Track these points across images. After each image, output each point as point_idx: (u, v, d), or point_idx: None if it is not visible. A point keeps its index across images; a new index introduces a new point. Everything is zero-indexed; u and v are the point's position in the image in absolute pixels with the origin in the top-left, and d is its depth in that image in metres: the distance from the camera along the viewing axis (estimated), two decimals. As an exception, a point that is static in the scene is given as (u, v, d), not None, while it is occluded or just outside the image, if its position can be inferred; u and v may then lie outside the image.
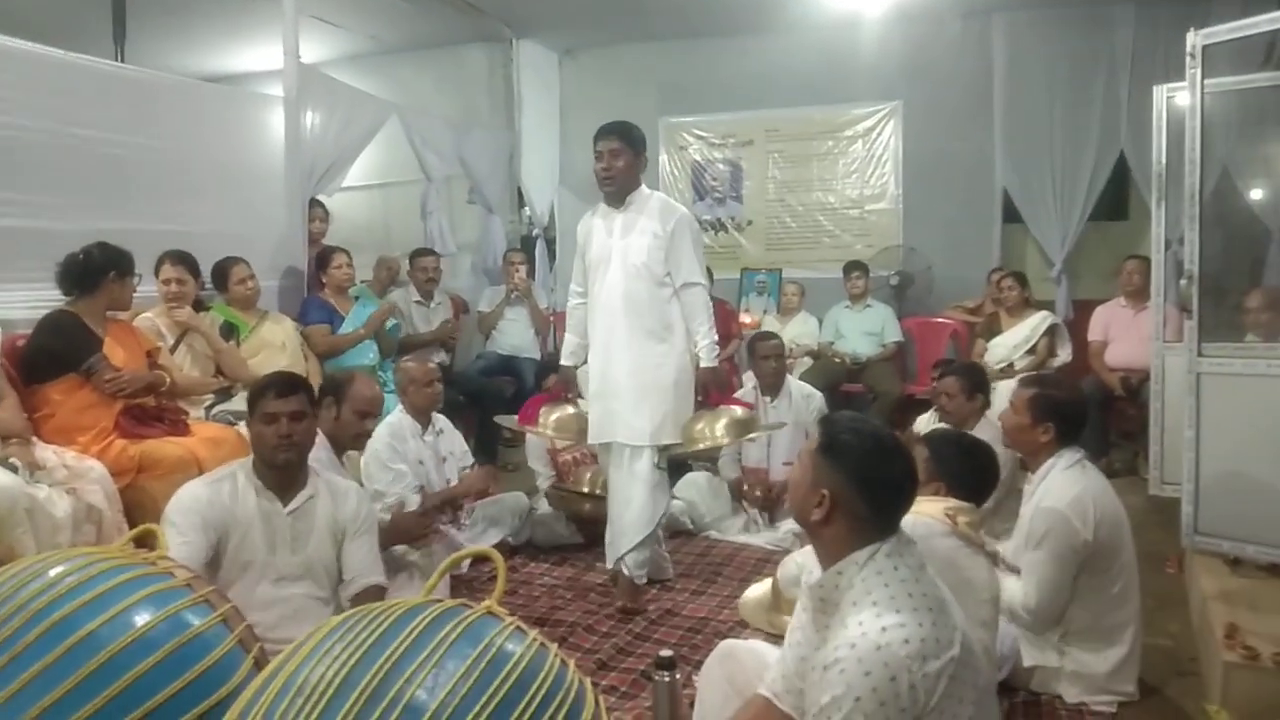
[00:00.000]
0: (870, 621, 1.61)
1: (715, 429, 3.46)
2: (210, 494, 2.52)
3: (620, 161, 3.43)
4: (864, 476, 1.70)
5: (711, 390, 3.56)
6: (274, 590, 2.53)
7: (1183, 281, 3.32)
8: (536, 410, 3.74)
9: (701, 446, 3.51)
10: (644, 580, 3.52)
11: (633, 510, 3.44)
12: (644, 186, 3.55)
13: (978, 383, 3.79)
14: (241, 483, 2.58)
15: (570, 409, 3.71)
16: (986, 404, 3.81)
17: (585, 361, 3.71)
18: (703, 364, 3.53)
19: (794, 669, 1.85)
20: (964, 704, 1.61)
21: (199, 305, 4.20)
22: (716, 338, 3.53)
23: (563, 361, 3.78)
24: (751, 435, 3.79)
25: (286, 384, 2.65)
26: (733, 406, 3.59)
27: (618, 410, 3.47)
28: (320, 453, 2.95)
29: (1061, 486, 2.65)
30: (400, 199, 7.15)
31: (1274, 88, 4.05)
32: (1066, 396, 2.81)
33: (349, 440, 3.20)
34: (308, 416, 2.64)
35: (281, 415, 2.55)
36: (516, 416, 3.88)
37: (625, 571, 3.44)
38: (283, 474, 2.60)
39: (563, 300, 4.58)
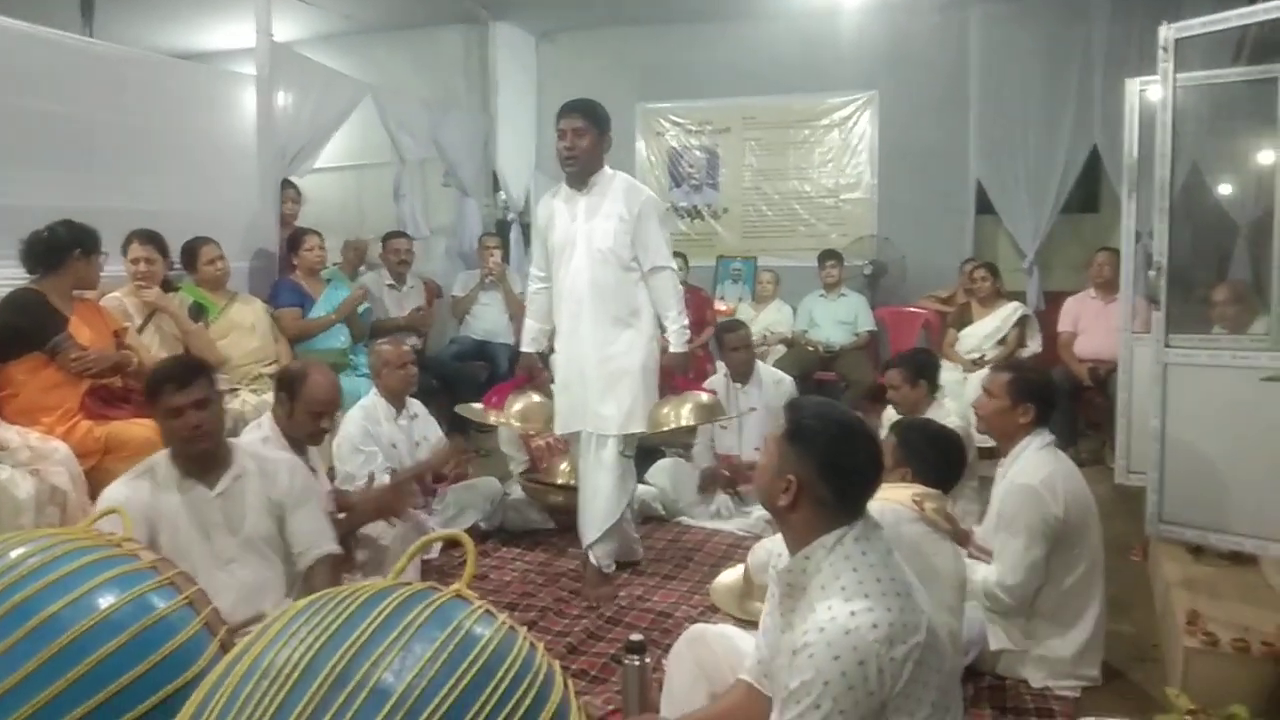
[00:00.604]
0: (839, 606, 1.62)
1: (680, 413, 3.46)
2: (129, 493, 2.41)
3: (584, 140, 3.33)
4: (830, 462, 1.70)
5: (676, 375, 3.53)
6: (224, 575, 2.45)
7: (1152, 273, 3.35)
8: (506, 397, 3.71)
9: (666, 429, 3.48)
10: (611, 568, 3.51)
11: (600, 499, 3.42)
12: (607, 167, 3.45)
13: (918, 369, 3.83)
14: (161, 476, 2.47)
15: (536, 397, 3.66)
16: (933, 388, 3.85)
17: (548, 347, 3.65)
18: (672, 348, 3.48)
19: (768, 654, 1.86)
20: (928, 688, 1.62)
21: (167, 285, 4.14)
22: (687, 322, 3.48)
23: (524, 348, 3.69)
24: (719, 420, 3.78)
25: (185, 372, 2.49)
26: (698, 392, 3.59)
27: (585, 399, 3.42)
28: (273, 447, 2.85)
29: (1034, 466, 2.73)
30: (374, 181, 7.09)
31: (1245, 82, 4.07)
32: (1041, 378, 2.93)
33: (304, 438, 3.05)
34: (214, 400, 2.51)
35: (186, 407, 2.42)
36: (481, 404, 3.83)
37: (593, 560, 3.44)
38: (202, 460, 2.50)
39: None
